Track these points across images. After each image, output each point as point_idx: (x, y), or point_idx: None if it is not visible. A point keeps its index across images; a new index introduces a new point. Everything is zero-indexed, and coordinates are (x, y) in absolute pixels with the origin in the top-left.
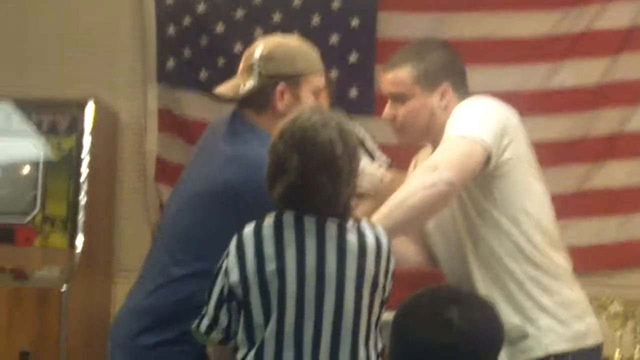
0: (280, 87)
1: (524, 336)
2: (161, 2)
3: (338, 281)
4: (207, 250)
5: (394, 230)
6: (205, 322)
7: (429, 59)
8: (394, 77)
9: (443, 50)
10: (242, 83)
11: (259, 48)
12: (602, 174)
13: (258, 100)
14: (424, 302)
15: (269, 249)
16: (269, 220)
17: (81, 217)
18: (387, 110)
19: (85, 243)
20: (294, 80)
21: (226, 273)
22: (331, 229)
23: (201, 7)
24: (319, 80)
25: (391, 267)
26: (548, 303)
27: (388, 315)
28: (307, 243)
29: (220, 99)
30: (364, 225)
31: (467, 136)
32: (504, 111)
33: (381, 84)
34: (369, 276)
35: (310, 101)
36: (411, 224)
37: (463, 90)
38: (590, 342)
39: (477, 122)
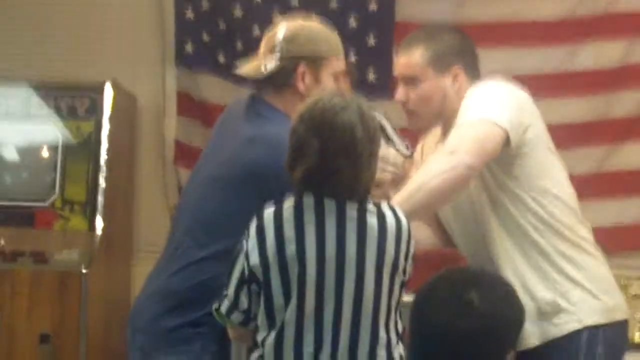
0: (301, 68)
1: (558, 310)
2: None
3: (358, 264)
4: (228, 232)
5: (413, 214)
6: (225, 304)
7: (441, 41)
8: (406, 60)
9: (455, 34)
10: (263, 63)
11: (282, 29)
12: (621, 155)
13: (279, 81)
14: (444, 284)
15: (289, 231)
16: (289, 203)
17: (100, 200)
18: (399, 93)
19: (104, 226)
20: (315, 62)
21: (246, 255)
22: (351, 211)
23: None
24: (339, 64)
25: (411, 249)
26: (578, 276)
27: (408, 298)
28: (327, 226)
29: (239, 80)
30: (384, 208)
31: (485, 118)
32: (519, 92)
33: (394, 67)
34: (389, 259)
35: (330, 84)
36: (431, 207)
37: (475, 74)
38: (618, 316)
39: (494, 104)
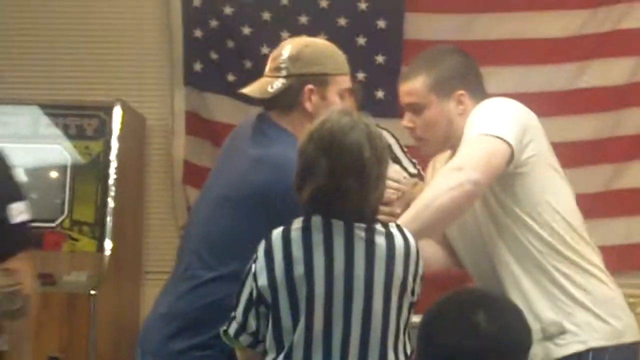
0: (308, 86)
1: (562, 331)
2: (188, 5)
3: (366, 285)
4: (236, 254)
5: (421, 233)
6: (234, 326)
7: (442, 66)
8: (409, 88)
9: (456, 56)
10: (270, 83)
11: (287, 48)
12: (629, 173)
13: (286, 101)
14: (451, 305)
15: (297, 252)
16: (297, 224)
17: (109, 221)
18: (406, 121)
19: (113, 247)
20: (321, 80)
21: (255, 277)
22: (359, 232)
23: (228, 10)
24: (345, 82)
25: (420, 270)
26: (583, 298)
27: (417, 319)
28: (335, 247)
29: (248, 99)
30: (392, 228)
31: (490, 134)
32: (523, 110)
33: (400, 96)
34: (398, 280)
35: (337, 102)
36: (439, 225)
37: (479, 95)
38: (628, 339)
39: (498, 121)
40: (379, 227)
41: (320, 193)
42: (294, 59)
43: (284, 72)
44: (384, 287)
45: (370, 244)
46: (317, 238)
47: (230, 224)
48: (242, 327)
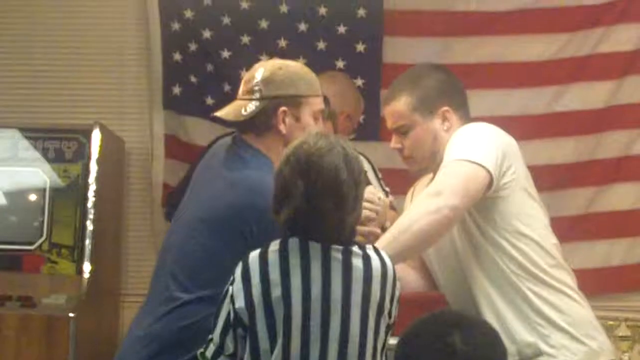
0: (282, 109)
1: (537, 353)
2: (167, 28)
3: (344, 307)
4: (212, 276)
5: (399, 256)
6: (211, 348)
7: (424, 84)
8: (392, 110)
9: (437, 74)
10: (243, 106)
11: (260, 71)
12: (608, 197)
13: (260, 123)
14: (427, 327)
15: (274, 274)
16: (274, 246)
17: (88, 243)
18: (394, 142)
19: (92, 270)
20: (294, 102)
21: (232, 299)
22: (336, 254)
23: (207, 34)
24: (319, 103)
25: (397, 292)
26: (559, 320)
27: (394, 341)
28: (312, 269)
29: (225, 122)
30: (369, 251)
31: (469, 160)
32: (502, 135)
33: (385, 118)
34: (375, 301)
35: (311, 123)
36: (416, 249)
37: (464, 110)
38: (603, 359)
39: (477, 146)
40: (356, 249)
41: (297, 215)
42: (266, 81)
43: (257, 95)
44: (361, 309)
45: (347, 266)
46: (295, 260)
47: (205, 246)
48: (220, 349)
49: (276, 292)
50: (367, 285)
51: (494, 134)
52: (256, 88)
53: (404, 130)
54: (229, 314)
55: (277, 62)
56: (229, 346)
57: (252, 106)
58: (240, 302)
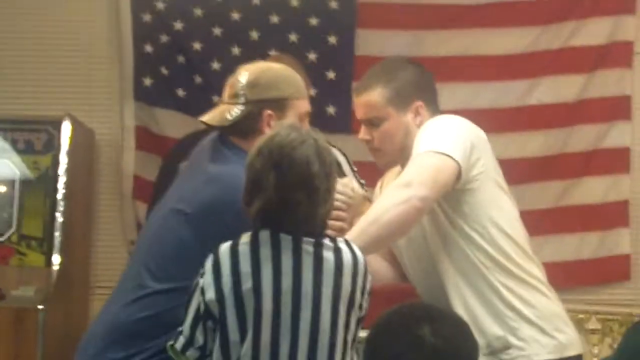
0: (267, 112)
1: (507, 346)
2: (138, 20)
3: (314, 299)
4: (184, 267)
5: (368, 247)
6: (181, 340)
7: (399, 78)
8: (366, 101)
9: (412, 68)
10: (228, 111)
11: (244, 75)
12: (579, 190)
13: (245, 127)
14: (396, 319)
15: (245, 267)
16: (245, 238)
17: (58, 235)
18: (363, 133)
19: (61, 261)
20: (280, 104)
21: (202, 291)
22: (307, 247)
23: (178, 25)
24: (304, 106)
25: (368, 284)
26: (528, 313)
27: (365, 334)
28: (283, 261)
29: (200, 112)
30: (340, 243)
31: (438, 151)
32: (471, 127)
33: (355, 108)
34: (346, 294)
35: None
36: (386, 240)
37: (434, 106)
38: (571, 352)
39: (447, 138)
40: (327, 241)
41: (268, 207)
42: (251, 85)
43: (242, 99)
44: (331, 301)
45: (318, 258)
46: (265, 252)
47: (180, 239)
48: (190, 342)
49: (247, 284)
50: (338, 278)
51: (462, 125)
52: (241, 92)
53: (376, 122)
54: (199, 306)
55: (261, 65)
56: (199, 338)
57: (237, 110)
58: (210, 294)
